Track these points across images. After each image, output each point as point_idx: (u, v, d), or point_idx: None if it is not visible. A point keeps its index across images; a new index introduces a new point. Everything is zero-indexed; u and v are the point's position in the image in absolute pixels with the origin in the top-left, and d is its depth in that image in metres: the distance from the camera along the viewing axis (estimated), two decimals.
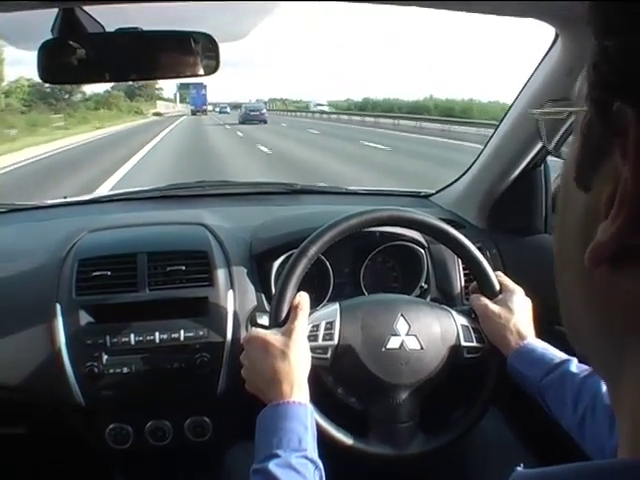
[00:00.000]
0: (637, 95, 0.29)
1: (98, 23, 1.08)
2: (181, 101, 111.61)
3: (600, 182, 0.32)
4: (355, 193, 2.04)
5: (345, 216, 1.18)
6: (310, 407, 1.01)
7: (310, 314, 1.16)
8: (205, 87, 74.01)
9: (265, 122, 36.47)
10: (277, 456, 0.91)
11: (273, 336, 1.07)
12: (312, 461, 0.93)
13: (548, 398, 1.07)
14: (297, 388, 1.02)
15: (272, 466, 0.89)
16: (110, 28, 1.08)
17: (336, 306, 1.20)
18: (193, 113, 67.57)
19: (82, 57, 1.06)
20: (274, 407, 0.99)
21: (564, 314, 0.40)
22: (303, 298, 1.13)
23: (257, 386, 1.06)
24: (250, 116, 37.50)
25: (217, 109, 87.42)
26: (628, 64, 0.29)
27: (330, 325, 1.16)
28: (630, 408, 0.32)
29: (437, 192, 1.93)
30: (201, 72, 1.08)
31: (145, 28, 1.06)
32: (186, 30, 1.06)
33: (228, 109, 78.71)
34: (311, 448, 0.95)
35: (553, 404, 1.05)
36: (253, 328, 1.14)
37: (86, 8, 1.05)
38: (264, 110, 40.37)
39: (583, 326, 0.37)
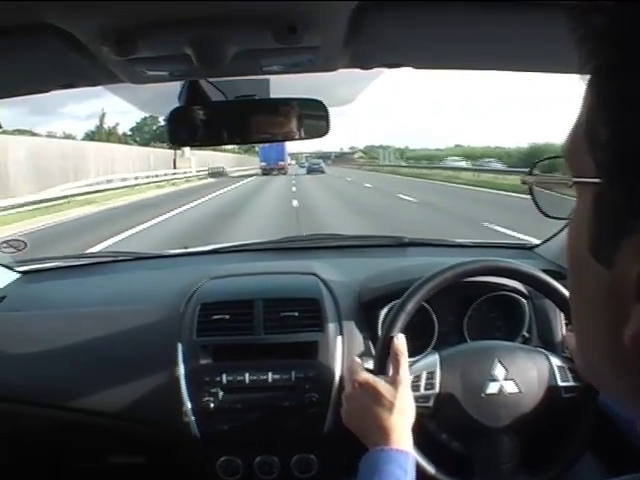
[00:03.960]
0: None
1: (220, 91, 1.21)
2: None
3: (625, 259, 0.31)
4: (460, 245, 2.06)
5: (440, 270, 1.23)
6: (412, 455, 1.05)
7: (412, 364, 1.21)
8: None
9: (323, 172, 47.85)
10: None
11: (383, 385, 1.11)
12: None
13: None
14: (401, 437, 1.05)
15: None
16: (230, 96, 1.20)
17: (436, 356, 1.25)
18: (265, 172, 46.19)
19: (204, 121, 1.19)
20: (378, 452, 1.03)
21: (586, 367, 0.39)
22: (401, 342, 1.16)
23: (360, 428, 1.11)
24: (313, 168, 50.58)
25: (294, 162, 76.26)
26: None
27: (431, 375, 1.21)
28: None
29: (542, 243, 1.92)
30: (312, 135, 1.17)
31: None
32: (298, 97, 1.16)
33: (306, 163, 66.00)
34: None
35: None
36: (364, 372, 1.16)
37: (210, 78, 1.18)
38: (322, 163, 54.48)
39: (610, 382, 0.37)
